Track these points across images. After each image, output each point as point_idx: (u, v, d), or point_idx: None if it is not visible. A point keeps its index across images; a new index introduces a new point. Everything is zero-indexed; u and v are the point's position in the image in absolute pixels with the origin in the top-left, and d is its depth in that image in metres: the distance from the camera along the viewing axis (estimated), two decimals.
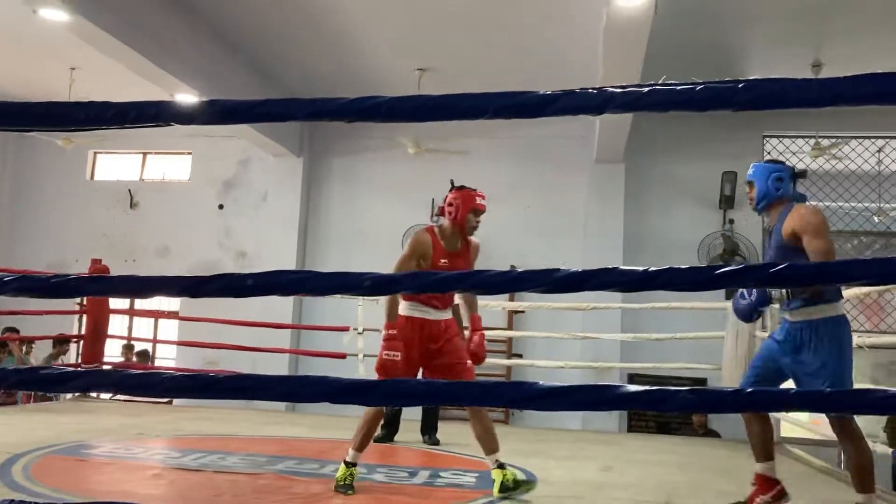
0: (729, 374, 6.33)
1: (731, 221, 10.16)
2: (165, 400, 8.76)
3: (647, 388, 1.38)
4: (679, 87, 1.41)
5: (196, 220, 11.60)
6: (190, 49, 8.52)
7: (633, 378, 9.32)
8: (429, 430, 5.75)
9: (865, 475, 3.11)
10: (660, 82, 1.42)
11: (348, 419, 6.76)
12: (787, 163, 3.42)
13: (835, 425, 3.21)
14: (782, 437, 6.70)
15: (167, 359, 11.41)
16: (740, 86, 1.38)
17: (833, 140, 9.49)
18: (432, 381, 1.47)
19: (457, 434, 5.86)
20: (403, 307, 3.77)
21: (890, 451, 4.59)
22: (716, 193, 10.24)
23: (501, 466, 3.67)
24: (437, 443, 5.64)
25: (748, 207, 10.55)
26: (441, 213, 3.86)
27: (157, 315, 11.34)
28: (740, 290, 3.38)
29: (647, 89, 1.40)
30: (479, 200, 3.82)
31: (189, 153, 12.03)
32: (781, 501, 3.30)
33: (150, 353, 10.60)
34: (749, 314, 3.40)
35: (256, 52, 9.63)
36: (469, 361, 3.81)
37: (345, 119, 1.56)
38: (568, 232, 10.50)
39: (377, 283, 1.49)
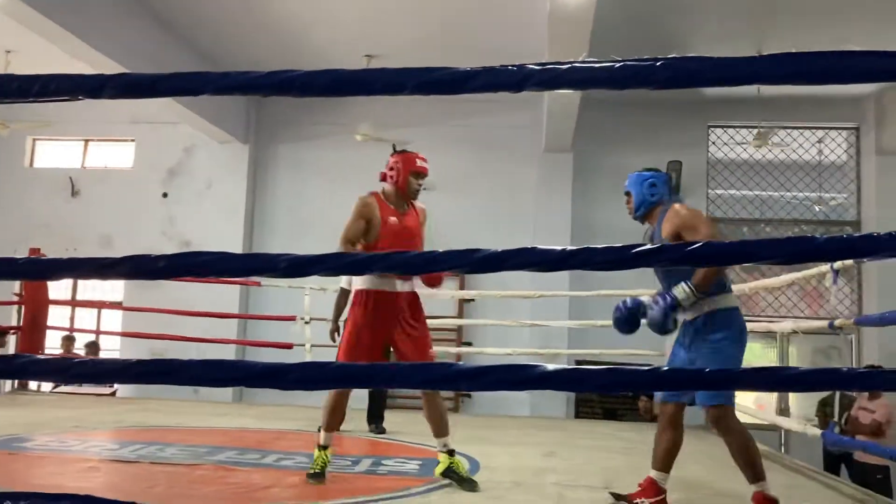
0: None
1: None
2: (109, 392, 8.56)
3: (563, 367, 1.36)
4: (598, 65, 1.40)
5: (140, 209, 11.33)
6: (132, 34, 8.28)
7: (580, 364, 9.43)
8: (375, 418, 5.72)
9: (753, 464, 3.11)
10: (579, 60, 1.41)
11: (296, 409, 6.75)
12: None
13: (710, 420, 3.23)
14: None
15: (112, 350, 11.13)
16: (658, 64, 1.37)
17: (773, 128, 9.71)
18: (346, 365, 1.44)
19: (403, 423, 5.85)
20: (361, 279, 3.66)
21: (820, 433, 4.68)
22: None
23: (451, 453, 3.61)
24: (383, 431, 5.62)
25: (693, 196, 10.55)
26: (383, 178, 3.79)
27: (100, 305, 11.06)
28: (650, 300, 3.17)
29: (566, 66, 1.39)
30: (419, 163, 3.74)
31: (132, 140, 11.73)
32: None
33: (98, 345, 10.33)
34: (664, 321, 3.12)
35: (202, 41, 9.45)
36: (432, 351, 3.72)
37: (260, 93, 1.51)
38: (517, 221, 10.52)
39: (293, 264, 1.45)
